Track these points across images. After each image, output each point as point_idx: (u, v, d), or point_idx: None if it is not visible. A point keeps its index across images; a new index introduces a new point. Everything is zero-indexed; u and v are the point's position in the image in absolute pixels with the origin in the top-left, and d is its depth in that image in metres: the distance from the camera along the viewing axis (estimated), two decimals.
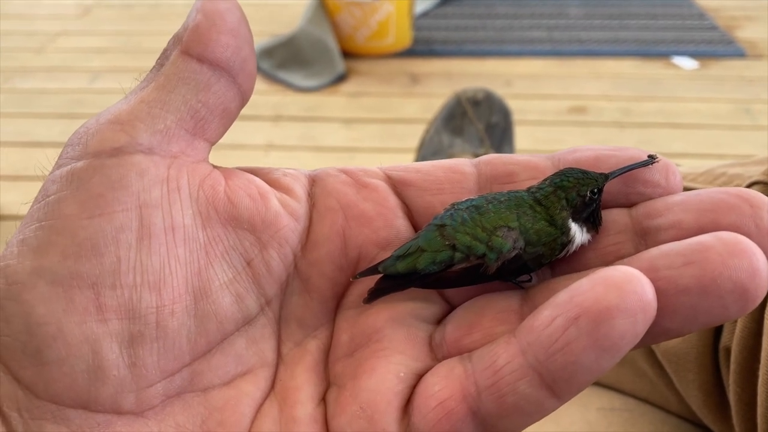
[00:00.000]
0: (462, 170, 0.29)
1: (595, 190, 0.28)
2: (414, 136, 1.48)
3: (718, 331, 0.45)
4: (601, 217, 0.28)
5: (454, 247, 0.27)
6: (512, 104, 1.38)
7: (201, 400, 0.26)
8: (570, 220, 0.28)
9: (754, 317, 0.42)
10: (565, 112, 1.71)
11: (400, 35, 1.98)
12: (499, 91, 1.43)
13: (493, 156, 0.30)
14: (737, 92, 1.79)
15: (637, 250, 0.26)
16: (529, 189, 0.28)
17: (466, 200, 0.28)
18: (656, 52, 2.00)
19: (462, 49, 2.03)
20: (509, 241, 0.27)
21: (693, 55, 1.97)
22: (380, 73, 1.91)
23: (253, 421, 0.26)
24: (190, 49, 0.26)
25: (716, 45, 2.02)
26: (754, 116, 1.69)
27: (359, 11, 1.91)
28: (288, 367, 0.27)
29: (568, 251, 0.28)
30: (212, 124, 0.27)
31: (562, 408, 0.53)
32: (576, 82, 1.86)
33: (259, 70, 1.89)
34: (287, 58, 1.92)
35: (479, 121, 1.25)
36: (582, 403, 0.53)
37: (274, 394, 0.27)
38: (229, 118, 0.27)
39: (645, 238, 0.26)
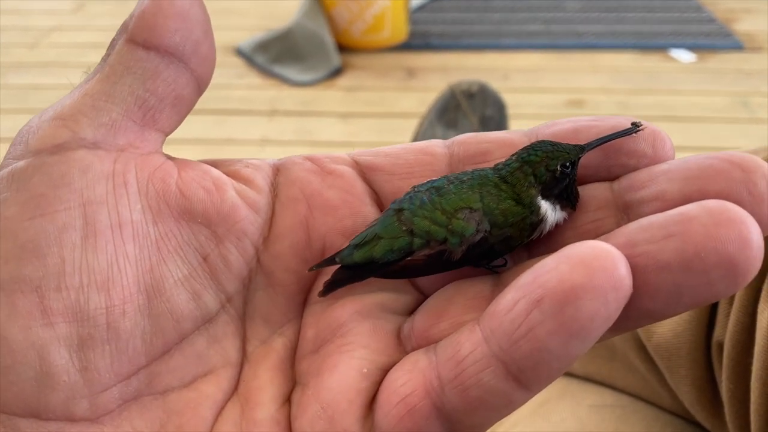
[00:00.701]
0: (433, 152, 0.28)
1: (567, 164, 0.25)
2: (410, 130, 1.47)
3: (710, 325, 0.45)
4: (577, 193, 0.26)
5: (412, 233, 0.25)
6: (509, 98, 1.38)
7: (159, 403, 0.25)
8: (539, 197, 0.26)
9: (747, 311, 0.41)
10: (562, 106, 1.70)
11: (396, 29, 1.97)
12: (496, 84, 1.42)
13: (466, 135, 0.28)
14: (735, 85, 1.78)
15: (619, 226, 0.23)
16: (495, 166, 0.26)
17: (427, 182, 0.26)
18: (654, 45, 1.99)
19: (459, 42, 2.01)
20: (472, 224, 0.25)
21: (691, 48, 1.96)
22: (376, 67, 1.90)
23: (213, 425, 0.25)
24: (135, 36, 0.24)
25: (714, 38, 2.01)
26: (752, 109, 1.68)
27: (355, 5, 1.90)
28: (252, 366, 0.26)
29: (541, 232, 0.26)
30: (163, 114, 0.25)
31: (552, 404, 0.52)
32: (573, 76, 1.85)
33: (254, 64, 1.88)
34: (283, 52, 1.91)
35: (473, 113, 1.24)
36: (573, 399, 0.52)
37: (237, 395, 0.25)
38: (183, 105, 0.26)
39: (627, 212, 0.24)
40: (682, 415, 0.49)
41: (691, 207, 0.20)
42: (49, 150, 0.24)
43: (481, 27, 2.11)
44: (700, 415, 0.47)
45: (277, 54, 1.91)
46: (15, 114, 1.69)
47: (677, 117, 1.65)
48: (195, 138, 1.49)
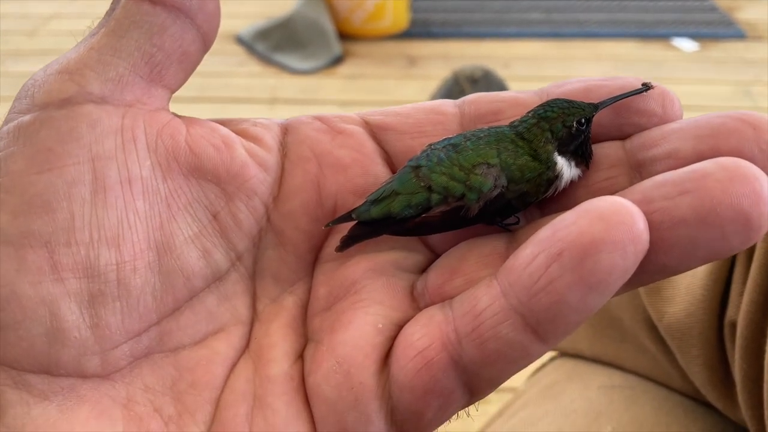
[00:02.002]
0: (444, 111, 0.28)
1: (583, 120, 0.25)
2: None
3: (722, 305, 0.44)
4: (591, 151, 0.26)
5: (430, 189, 0.25)
6: (510, 86, 1.37)
7: (171, 360, 0.24)
8: (556, 153, 0.26)
9: (762, 290, 0.40)
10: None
11: (397, 17, 1.96)
12: (498, 73, 1.41)
13: (477, 95, 0.28)
14: (737, 74, 1.78)
15: (632, 184, 0.23)
16: (511, 123, 0.26)
17: (444, 139, 0.26)
18: (656, 33, 1.98)
19: (460, 30, 2.01)
20: (490, 179, 0.25)
21: (693, 36, 1.95)
22: (377, 55, 1.89)
23: (226, 381, 0.25)
24: None
25: (716, 26, 2.00)
26: (754, 98, 1.67)
27: None
28: (263, 324, 0.26)
29: (556, 188, 0.26)
30: (170, 70, 0.25)
31: (562, 385, 0.52)
32: (575, 64, 1.85)
33: (255, 52, 1.88)
34: (283, 40, 1.90)
35: None
36: (582, 380, 0.52)
37: (249, 352, 0.25)
38: (189, 62, 0.25)
39: (640, 170, 0.25)
40: (692, 395, 0.49)
41: (706, 164, 0.21)
42: (55, 104, 0.23)
43: (483, 15, 2.10)
44: (711, 395, 0.46)
45: (277, 42, 1.90)
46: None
47: None
48: None
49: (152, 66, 0.24)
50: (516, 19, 2.07)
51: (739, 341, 0.42)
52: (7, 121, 0.24)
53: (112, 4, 0.25)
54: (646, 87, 0.25)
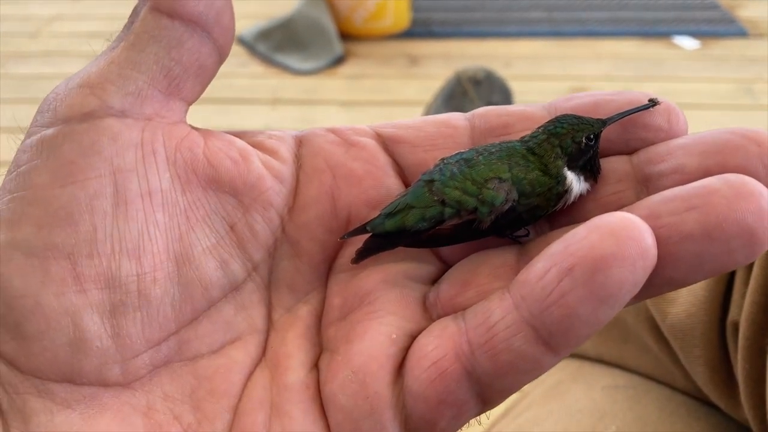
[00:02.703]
0: (454, 124, 0.28)
1: (591, 136, 0.26)
2: (413, 117, 1.47)
3: (725, 305, 0.45)
4: (599, 165, 0.27)
5: (443, 203, 0.26)
6: (512, 85, 1.37)
7: (189, 369, 0.25)
8: (565, 168, 0.26)
9: (764, 291, 0.41)
10: (565, 93, 1.68)
11: (399, 16, 1.97)
12: (499, 72, 1.41)
13: (486, 108, 0.29)
14: (739, 72, 1.78)
15: (639, 199, 0.24)
16: (522, 138, 0.27)
17: (456, 154, 0.27)
18: (657, 32, 1.98)
19: (461, 30, 2.01)
20: (501, 193, 0.26)
21: (694, 34, 1.95)
22: (379, 55, 1.90)
23: (243, 389, 0.25)
24: (160, 4, 0.24)
25: (717, 24, 2.00)
26: (756, 96, 1.68)
27: None
28: (279, 333, 0.26)
29: (566, 202, 0.27)
30: (188, 83, 0.25)
31: (566, 385, 0.52)
32: (576, 63, 1.85)
33: (256, 52, 1.88)
34: (284, 40, 1.90)
35: (480, 100, 1.24)
36: (586, 381, 0.52)
37: (265, 361, 0.26)
38: (206, 75, 0.26)
39: (647, 185, 0.25)
40: (695, 395, 0.49)
41: (712, 180, 0.21)
42: (78, 118, 0.24)
43: (484, 14, 2.10)
44: (713, 395, 0.47)
45: (279, 42, 1.90)
46: (16, 104, 1.68)
47: (681, 104, 1.61)
48: (197, 126, 1.47)
49: (170, 79, 0.25)
50: (517, 18, 2.07)
51: (741, 342, 0.42)
52: (29, 134, 0.24)
53: (130, 17, 0.26)
54: (653, 103, 0.26)
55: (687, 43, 1.92)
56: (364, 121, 1.60)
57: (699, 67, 1.81)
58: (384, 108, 1.66)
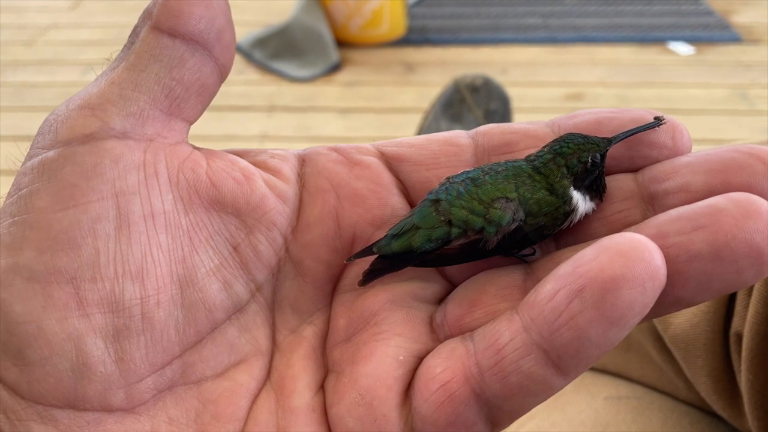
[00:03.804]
0: (458, 142, 0.28)
1: (598, 156, 0.26)
2: (409, 124, 1.47)
3: (728, 316, 0.44)
4: (605, 184, 0.27)
5: (450, 223, 0.26)
6: (508, 92, 1.37)
7: (194, 392, 0.25)
8: (571, 188, 0.26)
9: (767, 302, 0.41)
10: (561, 100, 1.70)
11: (395, 24, 1.97)
12: (496, 79, 1.41)
13: (490, 126, 0.28)
14: (734, 77, 1.78)
15: (645, 217, 0.24)
16: (527, 158, 0.27)
17: (462, 173, 0.27)
18: (652, 38, 1.99)
19: (457, 37, 2.01)
20: (508, 213, 0.26)
21: (689, 40, 1.96)
22: (375, 62, 1.90)
23: (249, 413, 0.25)
24: (161, 23, 0.24)
25: (712, 30, 2.01)
26: (751, 101, 1.68)
27: (353, 0, 1.89)
28: (284, 355, 0.26)
29: (571, 221, 0.26)
30: (189, 102, 0.25)
31: (569, 396, 0.52)
32: (572, 69, 1.85)
33: (253, 60, 1.88)
34: (281, 48, 1.90)
35: (478, 107, 1.24)
36: (589, 391, 0.52)
37: (270, 383, 0.26)
38: (207, 94, 0.26)
39: (652, 203, 0.25)
40: (698, 405, 0.49)
41: (719, 199, 0.21)
42: (79, 140, 0.24)
43: (480, 21, 2.10)
44: (717, 405, 0.47)
45: (275, 50, 1.90)
46: (12, 112, 1.68)
47: (676, 110, 1.65)
48: (194, 134, 1.46)
49: (172, 99, 0.25)
50: (513, 25, 2.07)
51: (745, 353, 0.42)
52: (30, 157, 0.24)
53: (130, 37, 0.25)
54: (659, 121, 0.26)
55: (682, 48, 1.93)
56: (360, 127, 1.60)
57: (694, 73, 1.82)
58: (380, 115, 1.66)
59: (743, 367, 0.42)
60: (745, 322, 0.42)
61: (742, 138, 1.49)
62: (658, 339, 0.49)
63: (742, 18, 2.09)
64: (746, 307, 0.43)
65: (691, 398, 0.49)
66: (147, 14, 0.25)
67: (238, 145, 1.52)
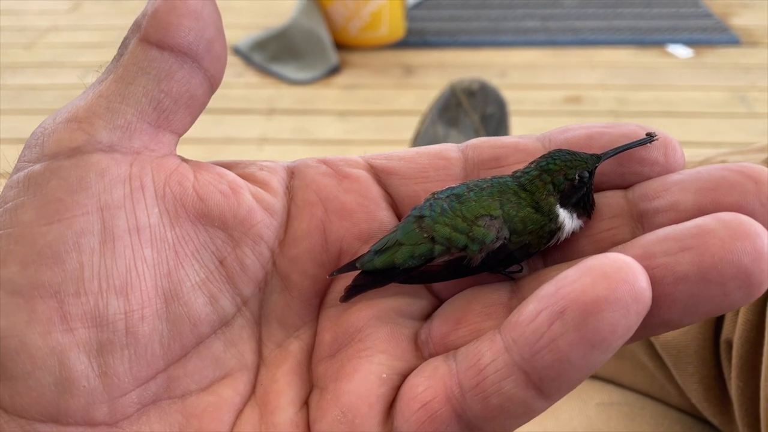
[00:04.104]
0: (447, 156, 0.28)
1: (585, 173, 0.26)
2: (408, 127, 1.47)
3: (718, 323, 0.45)
4: (593, 201, 0.26)
5: (433, 240, 0.25)
6: (507, 95, 1.37)
7: (178, 407, 0.25)
8: (558, 206, 0.26)
9: (757, 310, 0.41)
10: (560, 102, 1.70)
11: (394, 26, 1.97)
12: (494, 81, 1.41)
13: (480, 140, 0.28)
14: (733, 80, 1.78)
15: (634, 235, 0.24)
16: (513, 174, 0.27)
17: (447, 189, 0.26)
18: (651, 40, 1.99)
19: (456, 39, 2.01)
20: (492, 231, 0.25)
21: (688, 43, 1.96)
22: (374, 65, 1.90)
23: (232, 428, 0.25)
24: (149, 35, 0.24)
25: (711, 33, 2.01)
26: (750, 104, 1.68)
27: (352, 2, 1.89)
28: (269, 369, 0.26)
29: (558, 239, 0.26)
30: (178, 115, 0.25)
31: (560, 403, 0.52)
32: (571, 72, 1.85)
33: (252, 63, 1.88)
34: (280, 50, 1.90)
35: (474, 111, 1.24)
36: (581, 398, 0.52)
37: (255, 398, 0.25)
38: (196, 106, 0.25)
39: (642, 221, 0.25)
40: (690, 411, 0.49)
41: (707, 220, 0.21)
42: (65, 153, 0.24)
43: (478, 24, 2.10)
44: (708, 412, 0.47)
45: (274, 52, 1.90)
46: (11, 115, 1.68)
47: (675, 112, 1.65)
48: (193, 137, 1.47)
49: (160, 112, 0.25)
50: (512, 28, 2.07)
51: (735, 360, 0.42)
52: (17, 170, 0.24)
53: (119, 49, 0.25)
54: (650, 137, 0.25)
55: (681, 51, 1.93)
56: (359, 130, 1.61)
57: (693, 75, 1.82)
58: (379, 117, 1.66)
59: (733, 374, 0.42)
60: (735, 329, 0.42)
61: (740, 141, 1.50)
62: (650, 346, 0.49)
63: (741, 20, 2.09)
64: (736, 314, 0.43)
65: (683, 405, 0.49)
66: (136, 26, 0.25)
67: (237, 148, 1.53)
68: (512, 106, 1.39)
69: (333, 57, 1.86)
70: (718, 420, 0.46)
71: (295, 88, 1.79)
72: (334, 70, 1.85)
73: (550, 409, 0.53)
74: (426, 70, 1.87)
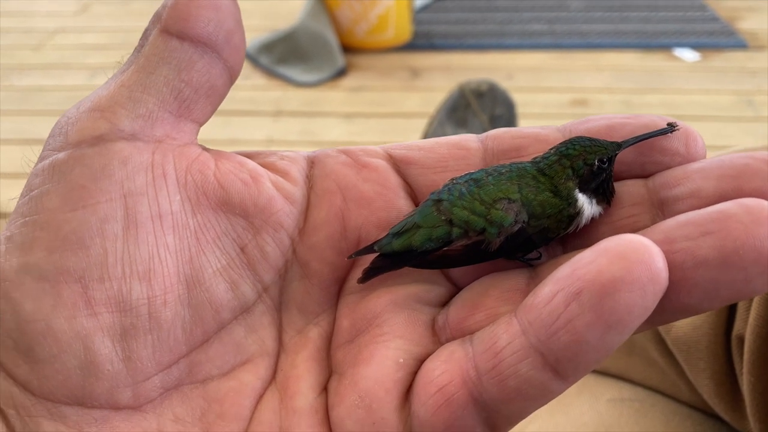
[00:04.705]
0: (467, 146, 0.28)
1: (605, 159, 0.26)
2: (414, 130, 1.47)
3: (730, 319, 0.44)
4: (613, 188, 0.26)
5: (451, 222, 0.25)
6: (513, 97, 1.38)
7: (200, 392, 0.25)
8: (577, 190, 0.26)
9: None
10: (566, 105, 1.70)
11: (400, 29, 1.97)
12: (501, 84, 1.42)
13: (499, 130, 0.28)
14: (739, 84, 1.78)
15: (654, 222, 0.24)
16: (533, 159, 0.27)
17: (466, 174, 0.27)
18: (658, 44, 1.99)
19: (462, 42, 2.02)
20: (510, 214, 0.25)
21: (694, 46, 1.96)
22: (380, 68, 1.90)
23: (253, 413, 0.25)
24: (170, 26, 0.24)
25: (718, 36, 2.01)
26: (757, 108, 1.68)
27: (359, 5, 1.90)
28: (289, 355, 0.26)
29: (578, 225, 0.26)
30: (198, 104, 0.25)
31: (571, 398, 0.52)
32: (577, 75, 1.85)
33: (259, 65, 1.89)
34: (287, 52, 1.91)
35: (483, 112, 1.24)
36: (592, 393, 0.52)
37: (275, 383, 0.26)
38: (216, 95, 0.26)
39: (662, 209, 0.25)
40: (701, 407, 0.49)
41: (729, 205, 0.21)
42: (88, 141, 0.24)
43: (485, 27, 2.11)
44: (719, 408, 0.47)
45: (281, 55, 1.91)
46: (18, 116, 1.69)
47: (682, 116, 1.64)
48: (201, 139, 1.47)
49: (181, 101, 0.25)
50: (518, 31, 2.08)
51: (746, 355, 0.42)
52: (41, 158, 0.24)
53: (141, 40, 0.26)
54: (672, 127, 0.25)
55: (687, 55, 1.93)
56: (365, 132, 1.61)
57: (699, 79, 1.82)
58: (385, 120, 1.67)
59: (745, 369, 0.42)
60: (747, 325, 0.42)
61: (747, 145, 1.49)
62: (661, 341, 0.49)
63: (747, 24, 2.09)
64: (748, 310, 0.43)
65: (694, 401, 0.49)
66: (156, 17, 0.25)
67: (244, 149, 1.53)
68: (519, 109, 1.39)
69: (340, 59, 1.86)
70: (729, 416, 0.46)
71: (302, 90, 1.80)
72: (341, 73, 1.85)
73: (560, 405, 0.53)
74: (432, 72, 1.88)
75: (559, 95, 1.75)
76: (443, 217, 0.26)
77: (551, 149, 0.27)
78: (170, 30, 0.25)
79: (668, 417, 0.49)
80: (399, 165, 0.28)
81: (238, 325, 0.26)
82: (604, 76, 1.84)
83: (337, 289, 0.27)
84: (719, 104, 1.70)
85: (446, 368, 0.23)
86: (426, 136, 1.29)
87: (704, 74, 1.84)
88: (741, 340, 0.43)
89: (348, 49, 1.93)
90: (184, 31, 0.24)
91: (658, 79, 1.82)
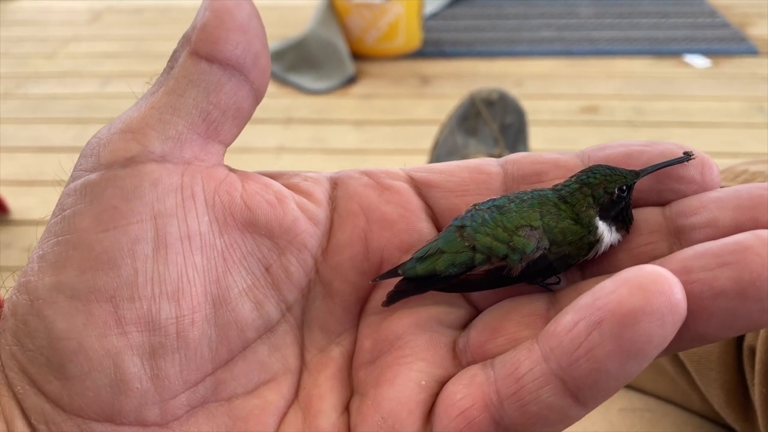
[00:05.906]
0: (487, 170, 0.29)
1: (624, 188, 0.26)
2: (425, 137, 1.47)
3: None
4: (632, 216, 0.27)
5: (474, 248, 0.26)
6: (523, 105, 1.38)
7: (225, 410, 0.26)
8: (597, 218, 0.26)
9: None
10: (577, 112, 1.70)
11: (410, 36, 1.98)
12: (510, 91, 1.42)
13: (519, 155, 0.29)
14: (750, 90, 1.77)
15: (671, 250, 0.25)
16: (554, 187, 0.27)
17: (488, 200, 0.27)
18: (668, 50, 1.99)
19: (472, 49, 2.02)
20: (532, 241, 0.26)
21: (705, 53, 1.96)
22: (390, 75, 1.91)
23: (277, 431, 0.25)
24: (199, 49, 0.25)
25: (728, 43, 2.00)
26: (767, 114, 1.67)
27: (369, 13, 1.91)
28: (311, 374, 0.27)
29: (597, 252, 0.27)
30: (225, 126, 0.26)
31: None
32: (587, 82, 1.85)
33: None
34: (297, 60, 1.92)
35: (493, 121, 1.24)
36: (603, 403, 0.52)
37: (298, 402, 0.26)
38: (242, 117, 0.26)
39: (679, 237, 0.25)
40: (712, 417, 0.50)
41: (746, 236, 0.21)
42: (120, 163, 0.25)
43: (494, 34, 2.11)
44: (730, 418, 0.47)
45: (291, 62, 1.92)
46: (34, 124, 1.70)
47: (692, 122, 1.65)
48: None
49: (209, 123, 0.26)
50: (528, 38, 2.08)
51: (758, 366, 0.42)
52: (73, 179, 0.25)
53: (169, 62, 0.26)
54: (688, 156, 0.26)
55: (698, 61, 1.93)
56: (375, 140, 1.61)
57: (710, 86, 1.81)
58: (396, 127, 1.67)
59: (756, 380, 0.42)
60: (758, 336, 0.42)
61: (757, 152, 1.49)
62: None
63: (758, 30, 2.08)
64: None
65: (705, 410, 0.50)
66: (185, 40, 0.26)
67: (255, 157, 1.54)
68: (529, 116, 1.39)
69: (350, 67, 1.87)
70: (740, 426, 0.47)
71: (312, 97, 1.81)
72: (351, 80, 1.86)
73: None
74: (442, 80, 1.88)
75: (569, 102, 1.74)
76: (466, 243, 0.26)
77: (572, 177, 0.27)
78: (199, 52, 0.25)
79: (679, 427, 0.50)
80: (420, 188, 0.29)
81: (262, 344, 0.27)
82: (615, 82, 1.84)
83: (359, 309, 0.28)
84: (730, 110, 1.69)
85: (468, 392, 0.23)
86: (436, 144, 1.29)
87: (715, 80, 1.84)
88: (752, 350, 0.44)
89: (358, 56, 1.94)
90: (213, 54, 0.25)
91: (669, 85, 1.82)
